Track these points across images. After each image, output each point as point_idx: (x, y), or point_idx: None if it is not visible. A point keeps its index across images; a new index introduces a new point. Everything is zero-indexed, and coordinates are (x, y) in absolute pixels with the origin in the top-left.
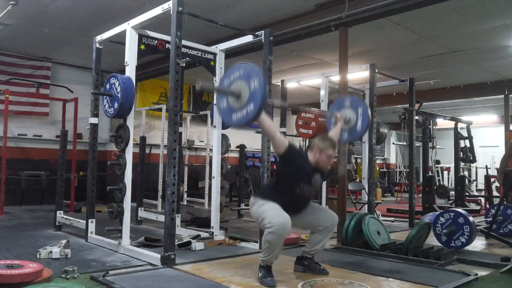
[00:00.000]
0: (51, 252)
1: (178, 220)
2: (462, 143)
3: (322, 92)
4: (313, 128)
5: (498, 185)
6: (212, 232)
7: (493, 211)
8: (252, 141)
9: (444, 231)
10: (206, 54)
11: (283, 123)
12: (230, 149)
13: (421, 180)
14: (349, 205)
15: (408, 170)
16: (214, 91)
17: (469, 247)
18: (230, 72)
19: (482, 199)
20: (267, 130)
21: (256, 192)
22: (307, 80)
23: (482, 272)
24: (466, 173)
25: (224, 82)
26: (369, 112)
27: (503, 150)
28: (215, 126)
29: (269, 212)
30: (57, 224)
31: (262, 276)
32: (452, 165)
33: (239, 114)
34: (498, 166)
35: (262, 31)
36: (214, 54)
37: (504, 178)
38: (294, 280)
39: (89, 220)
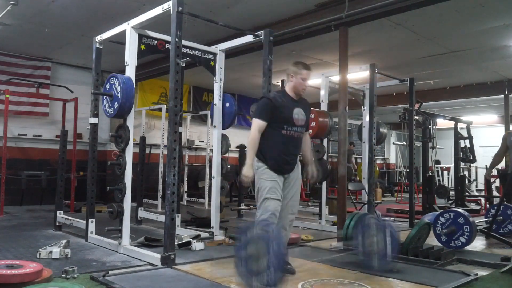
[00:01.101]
0: (51, 252)
1: (178, 220)
2: (462, 143)
3: (322, 92)
4: (313, 128)
5: (498, 185)
6: (212, 232)
7: (493, 211)
8: None
9: (444, 231)
10: (206, 54)
11: None
12: (230, 149)
13: (421, 180)
14: (349, 205)
15: (408, 170)
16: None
17: (469, 247)
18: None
19: (482, 199)
20: (254, 145)
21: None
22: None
23: (482, 272)
24: (466, 173)
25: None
26: (396, 233)
27: None
28: (215, 126)
29: (267, 194)
30: (57, 224)
31: None
32: (452, 165)
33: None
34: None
35: (262, 31)
36: (214, 54)
37: (509, 180)
38: (295, 280)
39: (89, 220)
